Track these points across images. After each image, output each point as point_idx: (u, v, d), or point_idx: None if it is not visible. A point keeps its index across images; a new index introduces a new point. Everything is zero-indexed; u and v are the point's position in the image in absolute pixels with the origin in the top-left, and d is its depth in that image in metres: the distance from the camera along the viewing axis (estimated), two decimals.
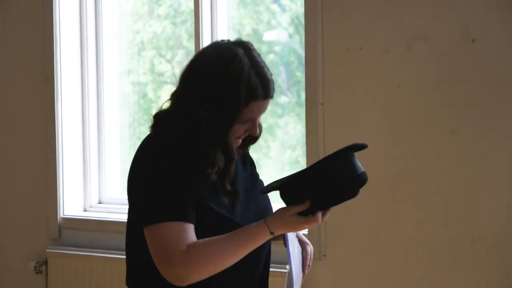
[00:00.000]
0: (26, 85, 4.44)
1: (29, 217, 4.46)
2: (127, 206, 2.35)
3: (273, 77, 2.27)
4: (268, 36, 4.22)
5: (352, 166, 2.23)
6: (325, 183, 2.19)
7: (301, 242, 2.54)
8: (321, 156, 3.59)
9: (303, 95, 3.82)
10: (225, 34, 4.02)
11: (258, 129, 2.33)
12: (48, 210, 4.37)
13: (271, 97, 2.26)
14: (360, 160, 2.27)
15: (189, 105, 2.24)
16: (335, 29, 3.77)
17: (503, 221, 3.45)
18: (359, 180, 2.21)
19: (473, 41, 3.51)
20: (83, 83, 4.37)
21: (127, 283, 2.38)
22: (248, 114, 2.23)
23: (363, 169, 2.23)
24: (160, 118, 2.31)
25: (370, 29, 3.71)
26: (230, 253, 2.19)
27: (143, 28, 4.39)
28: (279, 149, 4.29)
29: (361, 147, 2.26)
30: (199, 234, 2.20)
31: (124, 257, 2.40)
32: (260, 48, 4.09)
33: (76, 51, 4.37)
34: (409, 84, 3.65)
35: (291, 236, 2.42)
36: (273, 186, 2.27)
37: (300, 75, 4.07)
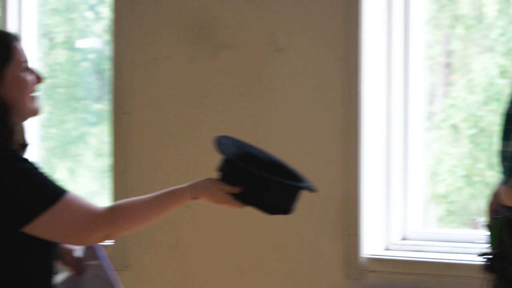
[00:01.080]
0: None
1: None
2: None
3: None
4: (82, 43, 4.41)
5: (292, 200, 2.48)
6: (264, 192, 2.44)
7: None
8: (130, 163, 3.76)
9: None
10: (35, 41, 4.13)
11: None
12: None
13: None
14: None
15: None
16: (144, 39, 3.98)
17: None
18: (286, 211, 2.47)
19: (279, 50, 3.74)
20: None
21: None
22: None
23: (294, 207, 2.48)
24: None
25: (176, 39, 3.91)
26: (154, 213, 2.43)
27: None
28: (93, 157, 4.51)
29: (311, 189, 2.52)
30: None
31: None
32: (73, 56, 4.23)
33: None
34: (215, 93, 3.87)
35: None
36: (227, 158, 2.47)
37: None
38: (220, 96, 4.02)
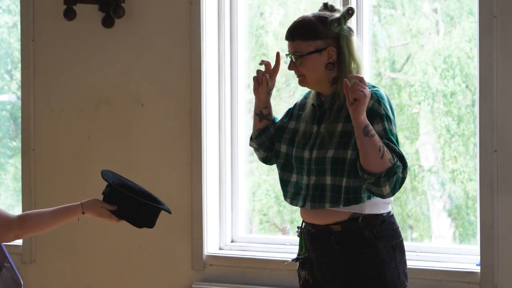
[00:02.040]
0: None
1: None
2: None
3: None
4: (1, 98, 5.01)
5: (154, 217, 2.87)
6: (134, 211, 2.84)
7: None
8: None
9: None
10: None
11: None
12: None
13: None
14: None
15: None
16: (45, 95, 4.51)
17: None
18: (150, 226, 2.89)
19: (142, 105, 4.36)
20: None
21: None
22: None
23: (155, 222, 2.89)
24: None
25: (69, 95, 4.47)
26: (53, 222, 2.81)
27: None
28: (11, 181, 4.99)
29: (167, 211, 2.92)
30: None
31: None
32: None
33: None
34: (98, 135, 4.39)
35: None
36: (108, 184, 2.81)
37: None
38: (101, 138, 4.45)
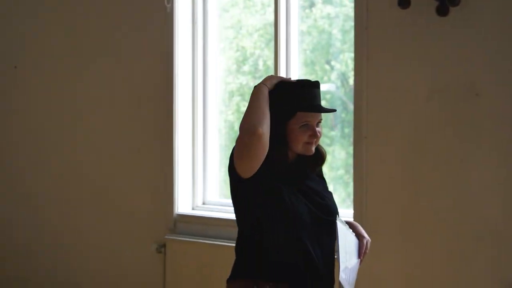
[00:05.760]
0: (152, 114, 5.64)
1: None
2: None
3: None
4: None
5: None
6: None
7: (358, 236, 3.14)
8: None
9: None
10: None
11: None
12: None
13: None
14: None
15: None
16: (379, 80, 4.59)
17: None
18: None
19: None
20: (193, 118, 5.57)
21: (236, 250, 3.07)
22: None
23: None
24: None
25: (402, 83, 4.57)
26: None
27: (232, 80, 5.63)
28: None
29: None
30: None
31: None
32: None
33: (188, 89, 5.54)
34: None
35: (342, 230, 2.98)
36: None
37: None
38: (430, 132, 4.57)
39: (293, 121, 2.95)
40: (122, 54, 5.82)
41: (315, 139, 3.01)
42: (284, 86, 3.00)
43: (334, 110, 3.10)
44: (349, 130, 5.09)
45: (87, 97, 6.00)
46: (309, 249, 2.93)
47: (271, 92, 2.96)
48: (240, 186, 2.93)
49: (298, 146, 2.98)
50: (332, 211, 3.04)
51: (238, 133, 2.89)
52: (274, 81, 2.97)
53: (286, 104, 2.94)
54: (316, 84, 3.02)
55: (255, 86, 2.97)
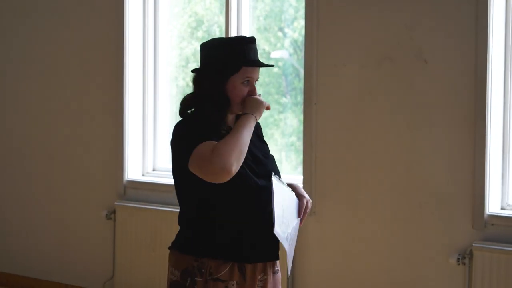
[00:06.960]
0: (102, 82, 5.65)
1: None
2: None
3: None
4: None
5: None
6: None
7: (299, 196, 3.09)
8: None
9: None
10: None
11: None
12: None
13: None
14: None
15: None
16: (328, 46, 4.72)
17: None
18: None
19: None
20: (144, 86, 5.57)
21: (179, 222, 3.06)
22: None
23: None
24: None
25: (351, 47, 4.62)
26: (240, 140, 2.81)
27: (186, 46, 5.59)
28: None
29: None
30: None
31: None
32: None
33: (139, 56, 5.57)
34: None
35: (278, 187, 2.92)
36: None
37: None
38: (382, 94, 4.50)
39: (236, 76, 2.92)
40: (71, 19, 5.79)
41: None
42: (224, 42, 3.00)
43: (273, 65, 3.10)
44: (301, 97, 5.10)
45: (37, 63, 5.97)
46: (256, 212, 2.92)
47: (208, 48, 2.94)
48: (185, 173, 2.89)
49: (238, 104, 2.95)
50: (269, 175, 2.98)
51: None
52: (262, 110, 2.95)
53: (230, 59, 2.90)
54: (253, 40, 2.99)
55: (244, 114, 2.92)
